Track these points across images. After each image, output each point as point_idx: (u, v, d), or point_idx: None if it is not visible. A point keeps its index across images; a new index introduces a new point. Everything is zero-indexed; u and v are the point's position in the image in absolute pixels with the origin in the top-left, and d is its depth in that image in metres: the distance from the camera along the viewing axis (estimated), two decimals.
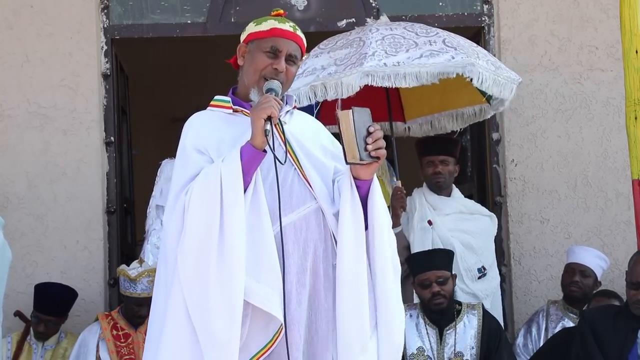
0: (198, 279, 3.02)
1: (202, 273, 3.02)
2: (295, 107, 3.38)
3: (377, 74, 4.98)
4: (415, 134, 6.03)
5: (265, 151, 3.09)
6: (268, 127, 3.05)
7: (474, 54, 5.12)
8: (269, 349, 3.05)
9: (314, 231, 3.17)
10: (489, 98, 5.54)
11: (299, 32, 3.31)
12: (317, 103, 5.44)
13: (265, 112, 3.06)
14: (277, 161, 3.07)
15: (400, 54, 5.06)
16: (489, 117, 5.82)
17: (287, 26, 3.29)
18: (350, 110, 3.03)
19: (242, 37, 3.35)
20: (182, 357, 3.03)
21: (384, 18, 5.62)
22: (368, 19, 6.20)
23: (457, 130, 5.96)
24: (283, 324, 3.04)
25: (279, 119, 3.14)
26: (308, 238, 3.15)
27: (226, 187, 3.05)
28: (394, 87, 5.09)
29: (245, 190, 3.07)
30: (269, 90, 3.18)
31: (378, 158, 3.06)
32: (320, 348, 3.13)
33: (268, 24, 3.28)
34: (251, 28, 3.32)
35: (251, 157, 3.08)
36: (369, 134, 3.05)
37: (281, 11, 3.35)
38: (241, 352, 3.03)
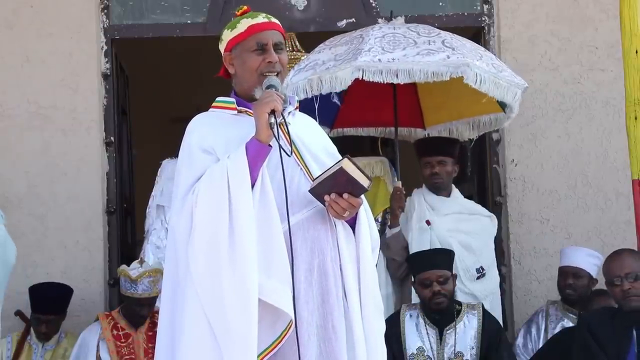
0: (210, 275, 3.03)
1: (214, 270, 3.03)
2: (297, 108, 3.38)
3: (369, 69, 4.97)
4: None
5: (270, 145, 3.10)
6: (272, 120, 3.08)
7: (476, 56, 5.10)
8: (276, 346, 3.05)
9: (320, 231, 3.19)
10: (504, 106, 5.52)
11: (273, 19, 3.34)
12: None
13: (268, 106, 3.09)
14: (283, 153, 3.08)
15: (396, 51, 5.05)
16: (504, 125, 5.81)
17: (261, 18, 3.31)
18: (348, 159, 3.10)
19: (222, 47, 3.35)
20: (204, 356, 3.02)
21: (400, 19, 5.57)
22: (380, 20, 6.15)
23: (473, 139, 5.95)
24: (293, 321, 3.04)
25: (284, 117, 3.15)
26: (315, 237, 3.18)
27: (233, 183, 3.06)
28: (385, 82, 5.05)
29: (252, 187, 3.08)
30: (270, 86, 3.20)
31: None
32: (338, 346, 3.15)
33: (243, 25, 3.30)
34: (228, 35, 3.33)
35: (257, 152, 3.09)
36: (346, 194, 3.11)
37: (245, 7, 3.37)
38: None
